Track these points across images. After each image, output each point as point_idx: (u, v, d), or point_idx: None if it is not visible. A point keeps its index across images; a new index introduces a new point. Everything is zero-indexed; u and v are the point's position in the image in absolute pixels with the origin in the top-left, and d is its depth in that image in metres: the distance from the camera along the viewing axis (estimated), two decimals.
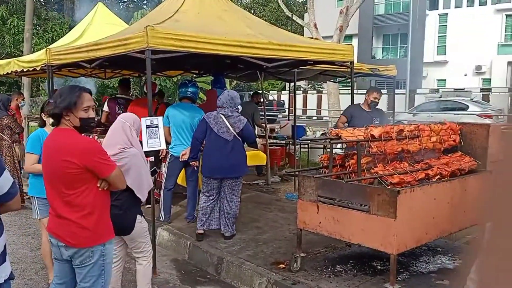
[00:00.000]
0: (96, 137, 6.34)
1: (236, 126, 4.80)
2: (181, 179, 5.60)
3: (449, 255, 4.47)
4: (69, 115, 2.62)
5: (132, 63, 6.70)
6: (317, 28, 16.90)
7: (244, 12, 6.07)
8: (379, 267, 4.14)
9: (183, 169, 5.49)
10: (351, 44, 6.54)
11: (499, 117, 16.33)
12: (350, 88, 6.27)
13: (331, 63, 6.12)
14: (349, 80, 10.26)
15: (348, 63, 5.95)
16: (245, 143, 5.21)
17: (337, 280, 3.90)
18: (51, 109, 2.64)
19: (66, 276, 2.82)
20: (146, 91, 6.45)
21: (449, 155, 4.29)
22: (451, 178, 3.93)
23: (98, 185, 2.66)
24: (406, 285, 3.70)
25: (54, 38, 18.91)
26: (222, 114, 4.82)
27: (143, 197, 3.32)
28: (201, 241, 4.96)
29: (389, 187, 3.48)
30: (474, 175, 4.12)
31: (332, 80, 9.80)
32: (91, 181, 2.63)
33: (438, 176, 3.87)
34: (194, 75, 8.79)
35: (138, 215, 3.35)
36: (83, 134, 2.77)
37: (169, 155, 5.49)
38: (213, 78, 7.64)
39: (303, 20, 19.61)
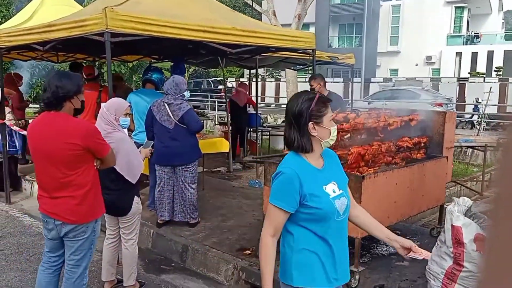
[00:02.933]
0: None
1: (176, 114, 4.68)
2: (143, 168, 5.46)
3: (408, 237, 4.60)
4: (76, 98, 2.78)
5: (87, 46, 6.42)
6: (275, 16, 16.91)
7: None
8: None
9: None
10: (313, 32, 6.55)
11: (449, 105, 17.10)
12: (310, 75, 6.30)
13: (294, 50, 6.13)
14: (308, 68, 10.42)
15: (310, 51, 5.98)
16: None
17: None
18: (62, 93, 2.71)
19: (57, 250, 3.02)
20: (86, 76, 6.21)
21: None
22: (411, 163, 4.07)
23: (95, 163, 2.85)
24: (369, 267, 3.82)
25: (1, 19, 17.80)
26: (165, 102, 4.72)
27: (133, 179, 3.41)
28: (165, 230, 4.89)
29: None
30: (431, 161, 4.28)
31: (292, 67, 9.84)
32: (90, 161, 2.81)
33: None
34: (153, 61, 8.55)
35: (135, 197, 3.52)
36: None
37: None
38: (172, 64, 7.47)
39: (261, 7, 19.54)
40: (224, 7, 6.13)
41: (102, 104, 3.47)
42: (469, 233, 2.78)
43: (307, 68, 9.91)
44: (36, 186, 6.71)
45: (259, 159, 4.34)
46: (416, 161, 4.23)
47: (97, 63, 9.12)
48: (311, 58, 6.24)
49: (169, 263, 4.49)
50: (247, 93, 8.68)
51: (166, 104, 4.71)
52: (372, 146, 3.70)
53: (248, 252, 4.27)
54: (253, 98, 8.50)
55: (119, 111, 3.43)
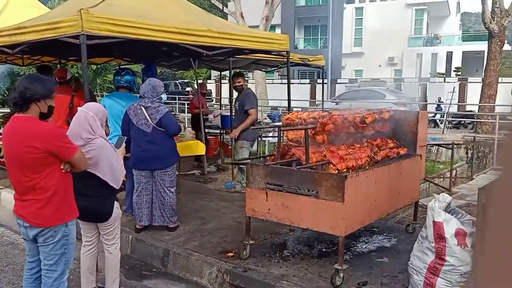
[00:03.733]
0: None
1: (153, 117, 4.63)
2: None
3: (385, 234, 4.78)
4: (43, 101, 2.77)
5: (54, 49, 6.23)
6: (243, 17, 16.97)
7: None
8: (324, 250, 4.32)
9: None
10: (287, 34, 6.62)
11: (413, 105, 17.66)
12: (275, 77, 6.39)
13: (268, 52, 6.18)
14: (278, 69, 10.52)
15: (285, 53, 6.05)
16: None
17: (286, 264, 4.00)
18: (29, 94, 2.70)
19: (36, 254, 2.99)
20: (58, 79, 6.05)
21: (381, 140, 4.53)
22: (389, 162, 4.19)
23: (62, 167, 2.80)
24: (351, 265, 3.90)
25: None
26: (142, 105, 4.66)
27: (117, 184, 3.38)
28: (144, 235, 4.81)
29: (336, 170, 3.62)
30: (407, 159, 4.42)
31: (263, 69, 9.89)
32: (54, 164, 2.77)
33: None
34: (123, 63, 8.40)
35: (115, 201, 3.48)
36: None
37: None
38: (144, 66, 7.37)
39: (228, 9, 19.54)
40: (199, 9, 6.11)
41: (82, 109, 3.36)
42: (450, 228, 2.90)
43: (276, 70, 10.06)
44: (3, 194, 6.47)
45: (240, 161, 4.33)
46: (392, 159, 4.35)
47: (59, 66, 8.85)
48: (285, 60, 6.31)
49: (150, 269, 4.43)
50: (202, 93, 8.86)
51: (143, 108, 4.64)
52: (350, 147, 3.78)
53: (231, 254, 4.26)
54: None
55: (105, 116, 3.42)
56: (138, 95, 5.46)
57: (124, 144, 3.82)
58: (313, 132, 3.77)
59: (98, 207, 3.39)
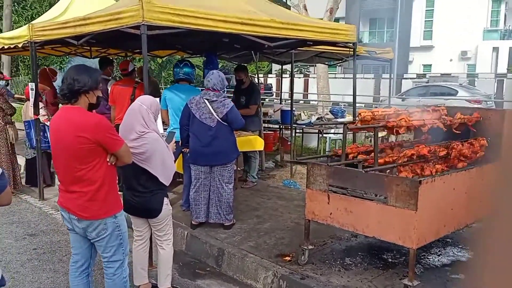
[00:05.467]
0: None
1: (219, 111, 4.47)
2: (177, 165, 5.28)
3: (460, 246, 4.30)
4: (91, 93, 2.75)
5: (120, 41, 6.30)
6: (306, 10, 16.53)
7: None
8: (390, 260, 3.95)
9: (181, 154, 5.18)
10: (355, 24, 6.22)
11: (488, 102, 16.37)
12: (338, 71, 6.02)
13: (333, 43, 5.82)
14: (342, 62, 10.04)
15: (351, 44, 5.67)
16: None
17: (348, 274, 3.68)
18: (78, 86, 2.68)
19: (81, 246, 2.99)
20: (121, 71, 6.08)
21: (472, 141, 4.03)
22: (469, 167, 3.72)
23: (108, 159, 2.77)
24: (422, 280, 3.50)
25: (34, 16, 18.08)
26: (206, 99, 4.49)
27: (167, 182, 3.30)
28: (199, 231, 4.69)
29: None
30: (490, 163, 3.91)
31: (327, 63, 9.49)
32: (101, 155, 2.74)
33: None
34: (186, 56, 8.38)
35: (165, 198, 3.37)
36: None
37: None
38: (205, 58, 7.28)
39: (291, 1, 19.16)
40: None
41: (137, 101, 3.28)
42: None
43: (339, 63, 9.62)
44: None
45: (302, 160, 4.06)
46: (474, 164, 3.87)
47: (127, 58, 9.01)
48: (351, 52, 5.92)
49: (204, 267, 4.29)
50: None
51: (206, 101, 4.48)
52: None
53: (288, 258, 4.02)
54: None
55: (157, 110, 3.34)
56: (200, 88, 5.35)
57: (174, 139, 3.69)
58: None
59: (147, 203, 3.31)
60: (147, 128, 3.13)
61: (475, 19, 30.89)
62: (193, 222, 4.75)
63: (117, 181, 3.04)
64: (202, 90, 4.68)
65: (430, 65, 32.75)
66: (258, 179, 6.78)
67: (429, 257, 4.01)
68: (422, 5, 33.24)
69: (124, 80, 5.96)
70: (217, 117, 4.48)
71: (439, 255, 4.06)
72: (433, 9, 33.12)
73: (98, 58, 7.74)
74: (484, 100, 16.16)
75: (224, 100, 4.54)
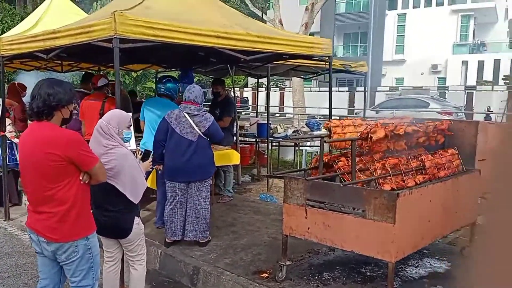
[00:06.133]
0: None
1: (202, 125, 4.41)
2: (150, 181, 5.15)
3: (436, 257, 4.31)
4: (66, 108, 2.64)
5: (92, 54, 6.16)
6: (282, 24, 16.70)
7: (217, 1, 5.66)
8: (368, 273, 3.91)
9: (154, 170, 5.05)
10: (330, 38, 6.28)
11: (458, 114, 16.78)
12: (313, 85, 6.04)
13: (309, 57, 5.84)
14: (317, 76, 10.13)
15: (327, 58, 5.70)
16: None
17: None
18: (55, 102, 2.56)
19: (49, 271, 2.82)
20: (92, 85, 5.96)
21: (441, 151, 4.08)
22: (445, 178, 3.74)
23: (81, 178, 2.63)
24: None
25: (5, 30, 17.61)
26: (187, 113, 4.41)
27: (136, 199, 3.13)
28: (174, 249, 4.56)
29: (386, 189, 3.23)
30: (465, 175, 3.96)
31: (302, 76, 9.55)
32: (73, 174, 2.60)
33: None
34: (160, 70, 8.28)
35: (136, 217, 3.22)
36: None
37: (139, 153, 5.04)
38: (180, 72, 7.20)
39: (267, 16, 19.35)
40: (237, 12, 5.86)
41: (103, 120, 3.15)
42: None
43: (314, 77, 9.70)
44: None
45: (279, 174, 4.00)
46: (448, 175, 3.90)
47: (100, 72, 8.85)
48: (327, 65, 5.95)
49: (178, 287, 4.16)
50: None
51: (187, 115, 4.40)
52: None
53: (265, 275, 3.93)
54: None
55: (122, 123, 3.13)
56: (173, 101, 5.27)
57: (150, 159, 3.57)
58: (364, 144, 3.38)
59: (117, 222, 3.16)
60: (115, 143, 3.00)
61: (445, 33, 31.91)
62: (167, 240, 4.61)
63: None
64: (181, 104, 4.60)
65: (403, 78, 33.51)
66: (234, 193, 6.70)
67: (406, 269, 3.99)
68: (394, 20, 34.14)
69: (94, 94, 5.83)
70: (199, 132, 4.41)
71: (416, 267, 4.05)
72: (404, 24, 34.05)
73: (83, 73, 7.57)
74: (455, 112, 16.56)
75: (205, 114, 4.49)
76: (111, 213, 3.12)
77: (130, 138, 3.29)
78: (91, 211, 3.04)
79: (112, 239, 3.31)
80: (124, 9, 4.08)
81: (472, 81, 30.25)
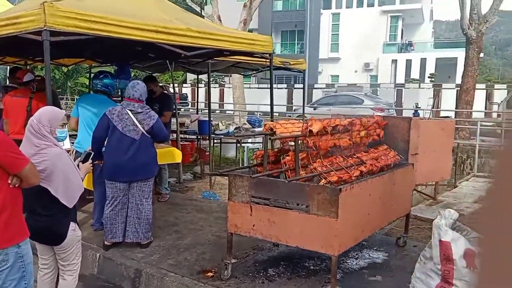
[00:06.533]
0: None
1: (145, 123, 4.28)
2: (86, 182, 4.89)
3: (375, 248, 4.49)
4: None
5: (20, 47, 5.74)
6: (221, 20, 16.60)
7: None
8: (312, 267, 3.99)
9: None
10: (270, 35, 6.31)
11: (390, 110, 17.66)
12: (252, 82, 6.08)
13: (250, 54, 5.84)
14: (257, 73, 10.17)
15: (267, 55, 5.73)
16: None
17: (272, 286, 3.64)
18: None
19: None
20: (17, 81, 5.58)
21: (375, 148, 4.27)
22: (382, 172, 3.90)
23: (9, 181, 2.45)
24: (343, 285, 3.58)
25: None
26: (130, 110, 4.26)
27: (71, 203, 2.91)
28: (113, 252, 4.37)
29: (328, 184, 3.30)
30: (400, 169, 4.15)
31: (243, 73, 9.56)
32: (1, 177, 2.43)
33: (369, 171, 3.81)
34: (94, 65, 7.90)
35: (71, 223, 3.01)
36: None
37: (73, 152, 4.76)
38: (117, 68, 6.92)
39: (205, 11, 19.15)
40: (177, 7, 5.72)
41: (34, 118, 2.93)
42: (458, 249, 2.61)
43: (254, 74, 9.74)
44: None
45: (224, 172, 3.95)
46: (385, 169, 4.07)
47: (28, 66, 8.28)
48: (267, 62, 5.98)
49: None
50: None
51: (130, 112, 4.23)
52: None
53: (210, 274, 3.88)
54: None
55: (55, 121, 2.91)
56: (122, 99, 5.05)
57: (90, 161, 3.37)
58: (313, 140, 3.42)
59: (50, 227, 2.94)
60: (47, 143, 2.79)
61: (376, 33, 33.43)
62: (106, 243, 4.41)
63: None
64: (123, 101, 4.41)
65: (338, 76, 34.71)
66: (175, 192, 6.56)
67: (347, 261, 4.12)
68: (329, 19, 35.20)
69: (19, 90, 5.42)
70: (142, 130, 4.26)
71: (356, 259, 4.19)
72: (338, 24, 35.23)
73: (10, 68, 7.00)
74: (386, 108, 17.41)
75: (149, 111, 4.35)
76: (44, 218, 2.90)
77: (65, 137, 3.08)
78: (25, 215, 2.82)
79: (46, 245, 3.09)
80: (54, 0, 3.83)
81: (401, 79, 32.02)
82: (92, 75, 5.26)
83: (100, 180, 4.85)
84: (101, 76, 5.01)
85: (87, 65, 9.67)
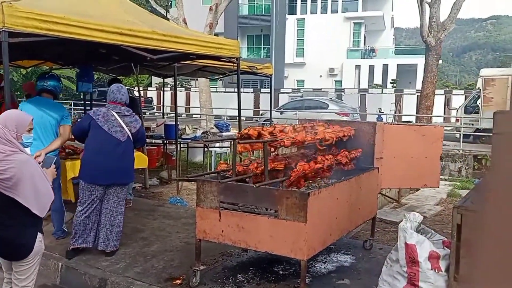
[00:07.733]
0: None
1: (132, 125, 4.30)
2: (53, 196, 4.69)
3: (342, 251, 4.54)
4: None
5: None
6: (186, 24, 16.47)
7: None
8: (281, 272, 3.98)
9: None
10: (237, 39, 6.30)
11: (354, 114, 18.01)
12: (219, 85, 6.07)
13: (217, 58, 5.81)
14: (223, 77, 10.14)
15: (235, 59, 5.71)
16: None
17: None
18: None
19: None
20: None
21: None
22: (349, 177, 3.95)
23: None
24: None
25: None
26: (117, 112, 4.22)
27: (42, 212, 2.73)
28: (77, 261, 4.22)
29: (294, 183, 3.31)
30: (366, 173, 4.22)
31: (209, 76, 9.50)
32: None
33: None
34: (55, 66, 7.64)
35: (39, 233, 2.81)
36: None
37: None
38: (79, 70, 6.72)
39: (170, 14, 18.95)
40: (142, 9, 5.61)
41: None
42: (423, 251, 2.67)
43: (220, 78, 9.75)
44: None
45: (192, 177, 3.90)
46: (351, 173, 4.13)
47: None
48: (234, 67, 5.97)
49: None
50: None
51: (116, 114, 4.19)
52: (316, 162, 3.50)
53: (178, 281, 3.81)
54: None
55: (22, 126, 2.76)
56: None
57: (54, 165, 3.21)
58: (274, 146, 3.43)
59: (16, 239, 2.72)
60: (13, 148, 2.64)
61: (340, 39, 34.07)
62: (72, 247, 4.24)
63: None
64: (107, 104, 4.32)
65: (303, 81, 35.11)
66: (141, 198, 6.43)
67: (316, 265, 4.15)
68: (294, 24, 35.60)
69: None
70: (128, 132, 4.23)
71: (324, 262, 4.22)
72: (303, 29, 35.67)
73: None
74: (351, 113, 17.74)
75: (135, 115, 4.41)
76: (9, 229, 2.69)
77: (32, 143, 2.94)
78: None
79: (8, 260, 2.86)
80: (13, 0, 3.67)
81: (364, 84, 32.75)
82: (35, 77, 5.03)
83: (54, 185, 4.66)
84: (47, 76, 4.79)
85: (48, 67, 9.36)
